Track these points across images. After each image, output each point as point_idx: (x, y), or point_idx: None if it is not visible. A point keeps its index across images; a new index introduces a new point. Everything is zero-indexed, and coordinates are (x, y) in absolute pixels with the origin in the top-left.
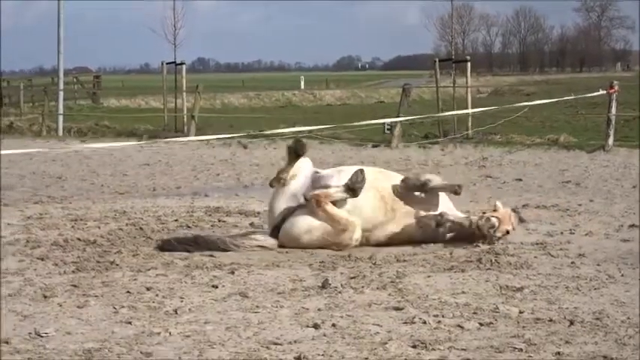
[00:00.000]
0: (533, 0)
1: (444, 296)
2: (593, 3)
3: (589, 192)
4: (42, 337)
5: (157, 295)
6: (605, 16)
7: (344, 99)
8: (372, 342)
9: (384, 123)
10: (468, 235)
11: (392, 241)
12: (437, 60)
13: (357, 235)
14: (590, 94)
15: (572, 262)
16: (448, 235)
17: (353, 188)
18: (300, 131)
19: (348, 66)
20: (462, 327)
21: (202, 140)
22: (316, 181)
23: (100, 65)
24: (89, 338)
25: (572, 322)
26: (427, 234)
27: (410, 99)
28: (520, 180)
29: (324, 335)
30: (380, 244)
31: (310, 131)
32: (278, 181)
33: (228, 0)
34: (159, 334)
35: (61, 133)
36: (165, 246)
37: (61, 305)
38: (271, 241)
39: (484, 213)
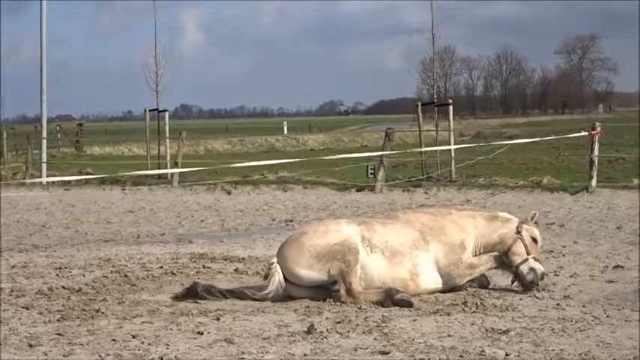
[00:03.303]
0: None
1: (429, 340)
2: (574, 45)
3: (573, 233)
4: None
5: (142, 343)
6: (587, 58)
7: (327, 144)
8: None
9: (367, 166)
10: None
11: None
12: (419, 104)
13: None
14: (572, 135)
15: (557, 304)
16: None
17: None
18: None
19: (331, 111)
20: None
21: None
22: None
23: (83, 113)
24: None
25: None
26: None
27: (393, 143)
28: None
29: None
30: None
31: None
32: None
33: (212, 46)
34: None
35: (44, 181)
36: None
37: (46, 354)
38: None
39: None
